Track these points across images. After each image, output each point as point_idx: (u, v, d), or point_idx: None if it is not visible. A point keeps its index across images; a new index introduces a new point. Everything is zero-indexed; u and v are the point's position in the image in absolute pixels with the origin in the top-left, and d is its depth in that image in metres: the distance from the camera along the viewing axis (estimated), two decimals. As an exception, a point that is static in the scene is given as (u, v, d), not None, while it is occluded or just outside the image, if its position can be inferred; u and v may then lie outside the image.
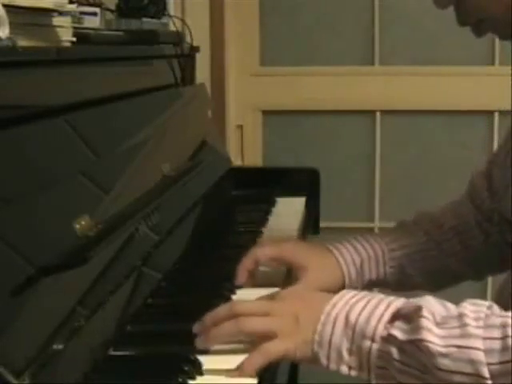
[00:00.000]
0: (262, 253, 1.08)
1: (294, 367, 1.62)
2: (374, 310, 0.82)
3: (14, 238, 0.73)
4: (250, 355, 0.80)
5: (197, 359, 0.81)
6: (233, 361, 0.81)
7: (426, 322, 0.78)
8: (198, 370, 0.79)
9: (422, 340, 0.77)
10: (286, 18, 2.27)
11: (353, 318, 0.81)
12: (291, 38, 2.28)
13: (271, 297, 0.89)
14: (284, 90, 2.28)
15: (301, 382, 1.82)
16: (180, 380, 0.77)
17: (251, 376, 0.79)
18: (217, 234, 1.32)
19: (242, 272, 1.06)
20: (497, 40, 2.19)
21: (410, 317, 0.80)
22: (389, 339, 0.79)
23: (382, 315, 0.81)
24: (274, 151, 2.34)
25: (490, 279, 2.28)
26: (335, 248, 1.13)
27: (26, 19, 0.94)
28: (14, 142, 0.81)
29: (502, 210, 1.11)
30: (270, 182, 1.63)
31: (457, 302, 0.83)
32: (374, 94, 2.26)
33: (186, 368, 0.78)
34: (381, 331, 0.80)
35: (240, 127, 2.32)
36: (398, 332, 0.79)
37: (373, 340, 0.80)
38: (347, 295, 0.85)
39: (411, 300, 0.83)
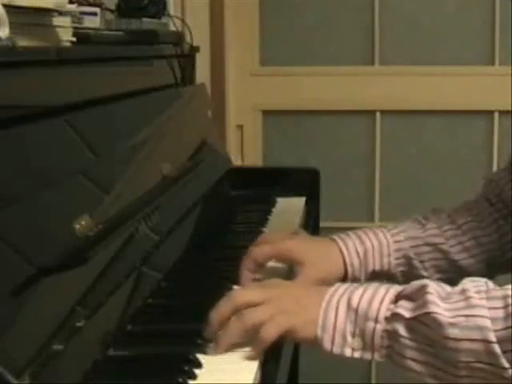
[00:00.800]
0: (260, 252, 1.08)
1: (294, 367, 1.62)
2: (375, 293, 0.85)
3: (14, 238, 0.73)
4: (255, 339, 0.82)
5: (197, 359, 0.81)
6: (232, 360, 0.81)
7: (432, 297, 0.81)
8: (198, 368, 0.79)
9: (429, 313, 0.80)
10: (286, 18, 2.28)
11: (355, 301, 0.84)
12: (291, 38, 2.28)
13: (270, 284, 0.91)
14: (284, 90, 2.28)
15: (301, 381, 1.82)
16: (180, 380, 0.77)
17: (258, 358, 0.81)
18: (217, 234, 1.32)
19: (245, 274, 1.06)
20: (497, 40, 2.19)
21: (414, 295, 0.83)
22: (394, 318, 0.82)
23: (383, 297, 0.84)
24: (274, 151, 2.34)
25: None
26: (339, 238, 1.13)
27: (26, 19, 0.94)
28: (14, 141, 0.81)
29: None
30: (270, 182, 1.63)
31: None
32: (374, 94, 2.26)
33: (186, 368, 0.78)
34: (384, 312, 0.83)
35: (240, 127, 2.32)
36: (403, 310, 0.82)
37: (376, 321, 0.83)
38: (343, 285, 0.88)
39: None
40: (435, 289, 0.83)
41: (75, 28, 1.11)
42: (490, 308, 0.80)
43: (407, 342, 0.82)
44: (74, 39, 1.08)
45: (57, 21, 1.03)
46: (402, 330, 0.82)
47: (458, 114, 2.25)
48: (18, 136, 0.82)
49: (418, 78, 2.24)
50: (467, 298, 0.81)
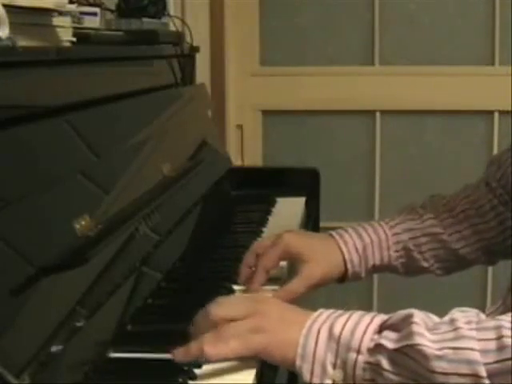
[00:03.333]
0: (261, 249, 1.07)
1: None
2: (359, 322, 0.79)
3: (14, 238, 0.73)
4: (229, 340, 0.78)
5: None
6: (232, 360, 0.81)
7: (418, 328, 0.76)
8: (198, 368, 0.79)
9: (414, 345, 0.75)
10: (285, 18, 2.28)
11: (337, 330, 0.79)
12: (291, 38, 2.28)
13: (254, 299, 0.87)
14: (284, 89, 2.28)
15: (301, 382, 1.82)
16: (180, 380, 0.77)
17: (217, 360, 0.78)
18: (217, 234, 1.32)
19: (244, 269, 1.06)
20: (497, 40, 2.19)
21: (399, 325, 0.78)
22: (377, 350, 0.77)
23: (367, 327, 0.79)
24: (274, 151, 2.34)
25: (489, 280, 2.29)
26: (337, 234, 1.12)
27: (26, 19, 0.94)
28: (14, 141, 0.81)
29: None
30: (270, 182, 1.62)
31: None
32: (374, 94, 2.26)
33: (186, 368, 0.79)
34: (367, 343, 0.77)
35: (240, 127, 2.32)
36: (387, 341, 0.77)
37: (358, 352, 0.77)
38: (327, 311, 0.83)
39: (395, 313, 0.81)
40: (422, 318, 0.77)
41: (75, 28, 1.11)
42: (479, 339, 0.74)
43: (391, 375, 0.76)
44: (74, 39, 1.08)
45: (57, 21, 1.03)
46: (385, 362, 0.76)
47: (458, 114, 2.25)
48: (18, 136, 0.82)
49: (418, 77, 2.24)
50: (456, 329, 0.75)
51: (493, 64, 2.21)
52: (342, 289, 2.24)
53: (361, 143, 2.31)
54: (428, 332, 0.76)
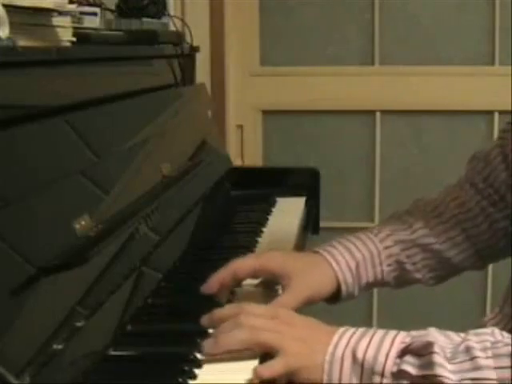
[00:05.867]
0: (241, 264, 1.03)
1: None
2: (380, 346, 0.81)
3: (14, 238, 0.73)
4: (257, 367, 0.80)
5: (197, 359, 0.81)
6: (232, 360, 0.82)
7: (438, 358, 0.78)
8: (198, 368, 0.79)
9: (436, 375, 0.77)
10: (285, 18, 2.28)
11: (360, 354, 0.81)
12: (291, 38, 2.28)
13: (280, 314, 0.87)
14: (284, 90, 2.28)
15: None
16: (180, 380, 0.77)
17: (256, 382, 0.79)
18: (217, 234, 1.32)
19: (214, 282, 1.00)
20: (497, 40, 2.19)
21: (420, 352, 0.80)
22: (400, 374, 0.79)
23: (389, 350, 0.81)
24: (274, 151, 2.34)
25: (489, 284, 2.28)
26: (326, 252, 1.07)
27: (25, 19, 0.94)
28: (14, 141, 0.81)
29: None
30: (270, 182, 1.62)
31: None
32: (374, 94, 2.26)
33: (186, 368, 0.79)
34: (390, 367, 0.80)
35: (240, 127, 2.32)
36: (410, 367, 0.79)
37: (383, 375, 0.80)
38: (347, 333, 0.84)
39: (413, 333, 0.83)
40: (441, 347, 0.79)
41: (75, 28, 1.11)
42: (496, 367, 0.76)
43: None
44: (74, 39, 1.08)
45: (57, 21, 1.02)
46: None
47: (458, 114, 2.25)
48: (18, 136, 0.82)
49: (418, 78, 2.24)
50: (473, 359, 0.78)
51: (493, 64, 2.21)
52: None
53: (361, 143, 2.31)
54: (447, 362, 0.78)
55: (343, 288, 1.06)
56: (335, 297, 1.08)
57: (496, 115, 2.23)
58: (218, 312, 0.87)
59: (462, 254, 1.14)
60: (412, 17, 2.23)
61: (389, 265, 1.10)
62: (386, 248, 1.10)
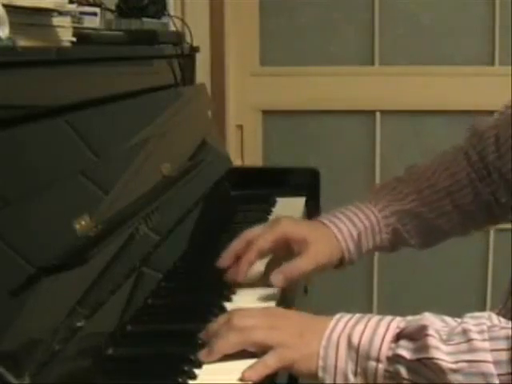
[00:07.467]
0: (254, 235, 1.05)
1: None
2: (375, 331, 0.82)
3: (14, 238, 0.73)
4: (252, 364, 0.80)
5: (197, 359, 0.81)
6: (232, 360, 0.81)
7: (433, 340, 0.78)
8: (198, 368, 0.79)
9: (431, 358, 0.77)
10: (285, 17, 2.28)
11: (355, 340, 0.81)
12: (291, 38, 2.28)
13: (273, 312, 0.88)
14: (284, 90, 2.28)
15: (301, 382, 1.82)
16: (180, 380, 0.77)
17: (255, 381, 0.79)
18: (217, 234, 1.32)
19: (229, 255, 1.04)
20: (497, 40, 2.19)
21: (414, 336, 0.80)
22: (395, 359, 0.80)
23: (384, 335, 0.81)
24: (274, 151, 2.34)
25: (489, 281, 2.28)
26: (330, 222, 1.12)
27: (25, 19, 0.94)
28: (14, 141, 0.81)
29: (504, 169, 1.13)
30: (270, 182, 1.62)
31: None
32: (374, 94, 2.26)
33: (186, 368, 0.79)
34: (385, 351, 0.80)
35: (240, 127, 2.32)
36: (405, 351, 0.79)
37: (378, 360, 0.80)
38: (343, 318, 0.85)
39: (409, 318, 0.83)
40: (436, 329, 0.80)
41: (75, 28, 1.11)
42: (492, 350, 0.77)
43: (408, 383, 0.79)
44: (74, 39, 1.08)
45: (57, 21, 1.03)
46: (404, 372, 0.79)
47: (458, 114, 2.25)
48: (18, 136, 0.82)
49: (418, 78, 2.24)
50: (469, 341, 0.78)
51: (493, 64, 2.21)
52: (342, 284, 2.24)
53: (361, 143, 2.31)
54: (443, 344, 0.78)
55: (346, 255, 1.12)
56: (339, 264, 1.13)
57: (496, 115, 2.22)
58: (212, 324, 0.86)
59: (450, 222, 1.20)
60: (412, 17, 2.23)
61: (387, 233, 1.16)
62: (384, 217, 1.16)
